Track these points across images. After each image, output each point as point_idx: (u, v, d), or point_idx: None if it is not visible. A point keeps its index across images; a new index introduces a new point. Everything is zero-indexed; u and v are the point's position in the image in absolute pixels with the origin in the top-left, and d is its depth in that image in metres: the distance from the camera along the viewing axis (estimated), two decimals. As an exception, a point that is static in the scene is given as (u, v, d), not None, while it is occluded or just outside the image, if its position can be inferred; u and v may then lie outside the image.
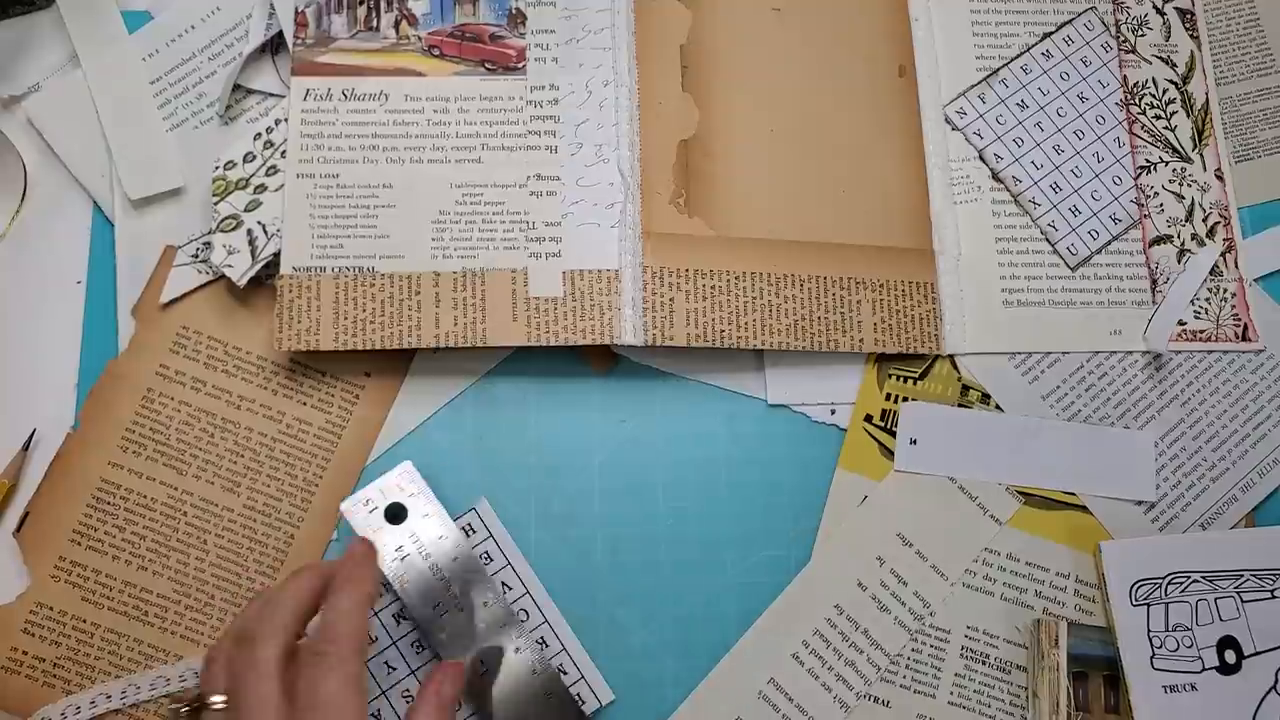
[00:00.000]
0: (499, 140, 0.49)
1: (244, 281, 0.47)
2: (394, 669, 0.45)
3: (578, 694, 0.45)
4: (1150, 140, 0.53)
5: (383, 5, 0.50)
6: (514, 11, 0.51)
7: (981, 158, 0.52)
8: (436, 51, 0.50)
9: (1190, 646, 0.45)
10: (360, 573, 0.40)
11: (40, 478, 0.46)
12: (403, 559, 0.44)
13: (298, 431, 0.47)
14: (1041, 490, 0.49)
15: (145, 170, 0.49)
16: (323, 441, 0.48)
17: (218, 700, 0.36)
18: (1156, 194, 0.52)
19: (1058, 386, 0.50)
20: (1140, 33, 0.54)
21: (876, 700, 0.46)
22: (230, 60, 0.51)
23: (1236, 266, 0.52)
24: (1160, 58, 0.54)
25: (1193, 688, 0.45)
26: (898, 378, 0.50)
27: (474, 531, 0.47)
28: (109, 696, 0.44)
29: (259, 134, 0.49)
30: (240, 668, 0.36)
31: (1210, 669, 0.45)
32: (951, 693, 0.46)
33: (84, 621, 0.45)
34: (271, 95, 0.50)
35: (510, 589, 0.46)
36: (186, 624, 0.45)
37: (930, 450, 0.49)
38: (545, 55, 0.50)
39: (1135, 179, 0.52)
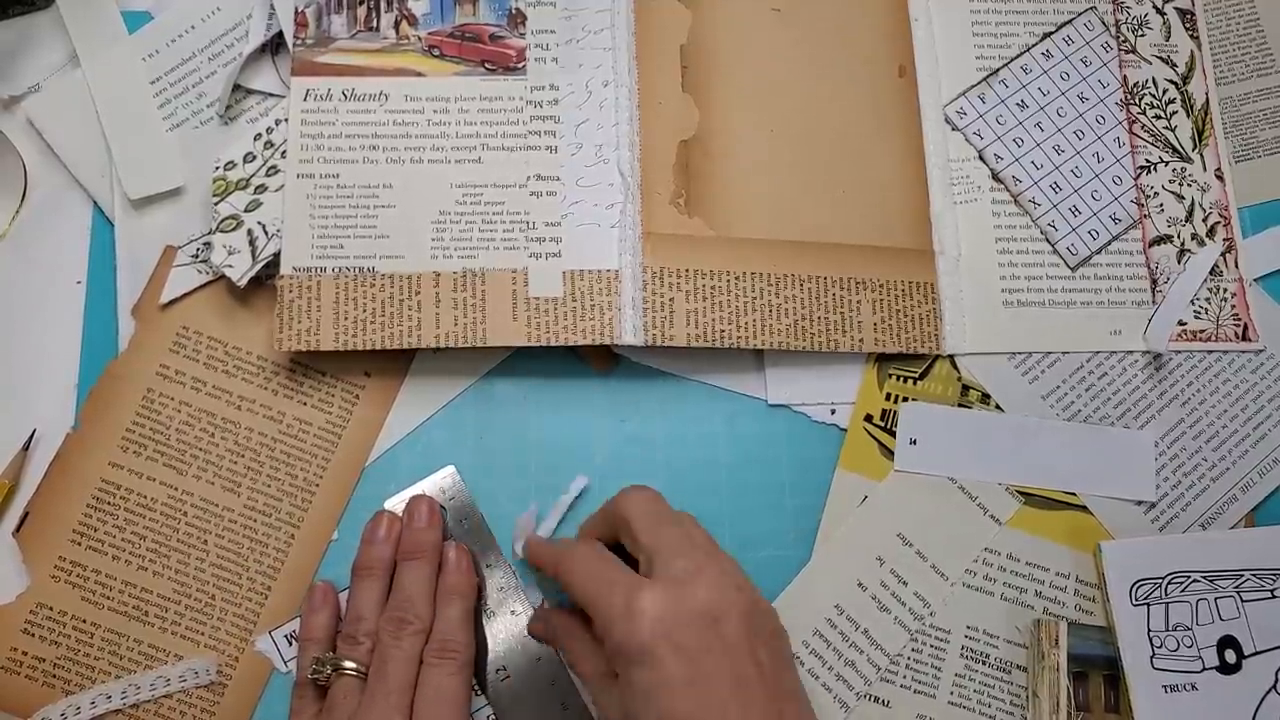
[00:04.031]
0: (499, 140, 0.49)
1: (244, 282, 0.47)
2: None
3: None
4: (1150, 140, 0.53)
5: (383, 5, 0.50)
6: (514, 11, 0.51)
7: (981, 158, 0.52)
8: (436, 52, 0.50)
9: (1190, 646, 0.45)
10: (465, 583, 0.44)
11: (40, 478, 0.46)
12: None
13: (298, 432, 0.47)
14: (1041, 490, 0.49)
15: (145, 170, 0.49)
16: (323, 442, 0.48)
17: (355, 667, 0.42)
18: (1156, 194, 0.52)
19: (1058, 386, 0.50)
20: (1140, 33, 0.54)
21: (876, 700, 0.46)
22: (230, 60, 0.51)
23: (1236, 266, 0.52)
24: (1160, 58, 0.54)
25: (1193, 687, 0.45)
26: (898, 378, 0.50)
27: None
28: (109, 697, 0.44)
29: (259, 134, 0.49)
30: (388, 649, 0.41)
31: (1210, 669, 0.45)
32: (951, 693, 0.46)
33: (84, 622, 0.45)
34: (271, 95, 0.50)
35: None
36: (187, 624, 0.45)
37: (930, 450, 0.49)
38: (545, 55, 0.50)
39: (1135, 179, 0.52)
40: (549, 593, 0.46)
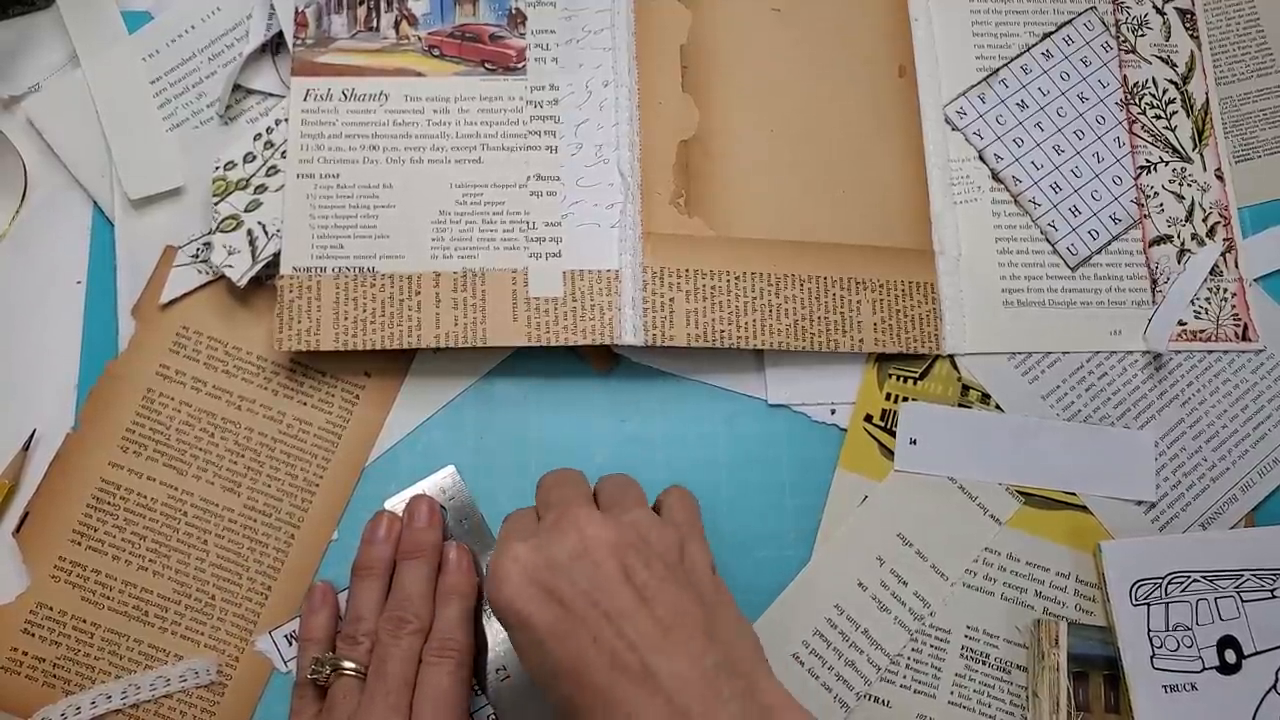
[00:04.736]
0: (499, 140, 0.49)
1: (244, 282, 0.47)
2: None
3: None
4: (1150, 140, 0.53)
5: (383, 5, 0.50)
6: (514, 12, 0.51)
7: (981, 158, 0.52)
8: (436, 52, 0.50)
9: (1190, 646, 0.45)
10: (465, 582, 0.44)
11: (40, 478, 0.46)
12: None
13: (298, 432, 0.47)
14: (1041, 490, 0.49)
15: (145, 170, 0.49)
16: (323, 442, 0.48)
17: (354, 667, 0.42)
18: (1156, 194, 0.52)
19: (1058, 386, 0.50)
20: (1140, 33, 0.54)
21: (876, 700, 0.46)
22: (230, 60, 0.51)
23: (1236, 266, 0.52)
24: (1160, 58, 0.54)
25: (1193, 687, 0.45)
26: (898, 378, 0.50)
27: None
28: (109, 697, 0.44)
29: (259, 134, 0.49)
30: (387, 648, 0.41)
31: (1210, 669, 0.45)
32: (951, 693, 0.46)
33: (84, 622, 0.45)
34: (271, 95, 0.50)
35: None
36: (187, 624, 0.45)
37: (930, 450, 0.49)
38: (545, 55, 0.50)
39: (1135, 179, 0.52)
40: None
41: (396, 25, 0.50)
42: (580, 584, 0.36)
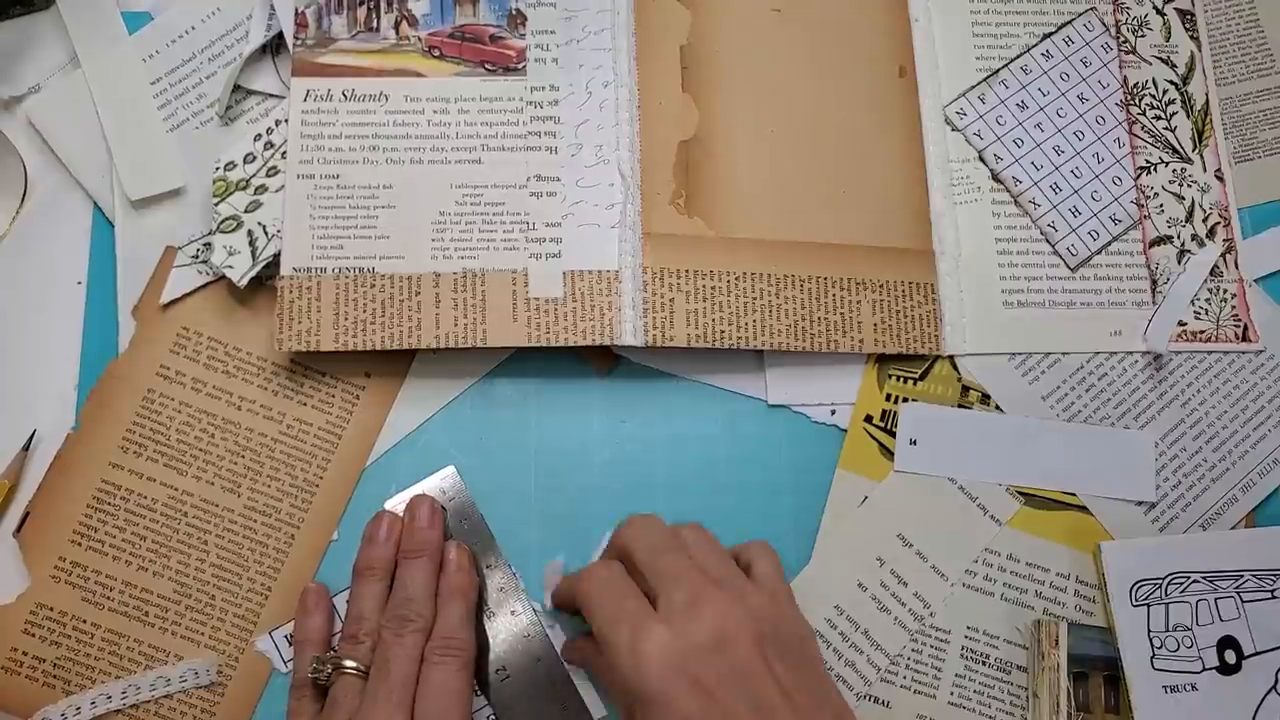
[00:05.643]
0: (499, 141, 0.49)
1: (244, 282, 0.47)
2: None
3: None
4: (1150, 141, 0.53)
5: (383, 6, 0.50)
6: (514, 12, 0.51)
7: (981, 158, 0.52)
8: (436, 52, 0.50)
9: (1190, 646, 0.45)
10: (467, 582, 0.44)
11: (41, 478, 0.46)
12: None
13: (298, 432, 0.47)
14: (1041, 491, 0.49)
15: (145, 171, 0.49)
16: (323, 442, 0.48)
17: (356, 666, 0.41)
18: (1156, 194, 0.52)
19: (1058, 387, 0.50)
20: (1140, 33, 0.54)
21: (876, 700, 0.46)
22: (230, 61, 0.51)
23: (1236, 267, 0.52)
24: (1160, 58, 0.54)
25: (1193, 688, 0.45)
26: (898, 378, 0.50)
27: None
28: (109, 697, 0.44)
29: (259, 135, 0.49)
30: (390, 646, 0.41)
31: (1210, 669, 0.45)
32: (951, 693, 0.46)
33: (84, 622, 0.45)
34: (272, 96, 0.50)
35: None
36: (187, 624, 0.45)
37: (930, 451, 0.49)
38: (545, 56, 0.50)
39: (1135, 179, 0.52)
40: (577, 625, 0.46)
41: (396, 26, 0.50)
42: (725, 674, 0.36)
